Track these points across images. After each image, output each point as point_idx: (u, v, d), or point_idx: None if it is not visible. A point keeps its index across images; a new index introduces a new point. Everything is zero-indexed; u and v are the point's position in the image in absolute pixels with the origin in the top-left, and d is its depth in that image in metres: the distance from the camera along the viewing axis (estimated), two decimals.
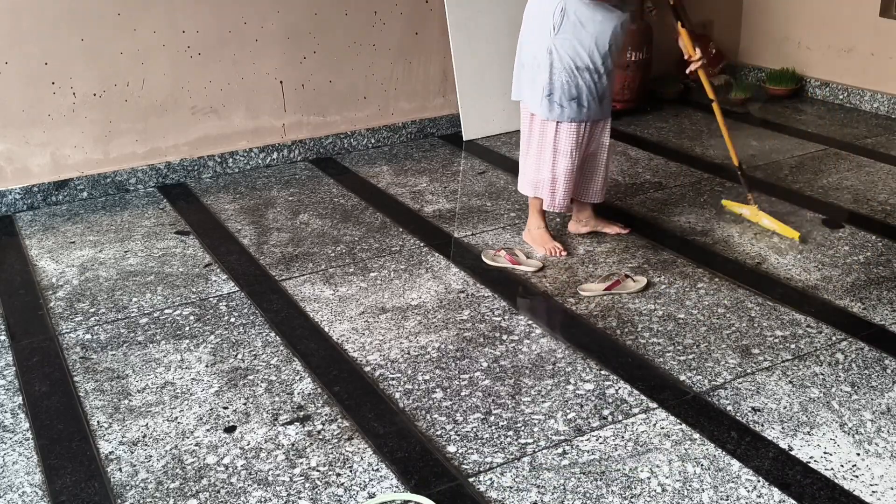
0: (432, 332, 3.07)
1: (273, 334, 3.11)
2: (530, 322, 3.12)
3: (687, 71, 3.67)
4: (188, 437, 2.57)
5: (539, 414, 2.60)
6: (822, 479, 2.29)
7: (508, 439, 2.50)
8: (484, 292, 3.34)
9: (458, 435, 2.52)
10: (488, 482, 2.33)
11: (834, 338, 2.95)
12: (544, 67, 3.40)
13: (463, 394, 2.72)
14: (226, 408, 2.70)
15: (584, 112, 3.43)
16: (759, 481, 2.29)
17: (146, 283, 3.53)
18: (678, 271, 3.45)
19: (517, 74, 3.58)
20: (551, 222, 3.89)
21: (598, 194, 3.72)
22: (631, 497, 2.26)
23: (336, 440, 2.53)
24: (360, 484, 2.35)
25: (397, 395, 2.72)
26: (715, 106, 3.79)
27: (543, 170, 3.54)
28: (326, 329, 3.13)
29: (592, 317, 3.14)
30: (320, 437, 2.55)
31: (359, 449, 2.49)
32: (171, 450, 2.52)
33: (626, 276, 3.34)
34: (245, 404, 2.72)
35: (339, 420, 2.62)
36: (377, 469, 2.40)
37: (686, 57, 3.62)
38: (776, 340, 2.95)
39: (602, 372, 2.80)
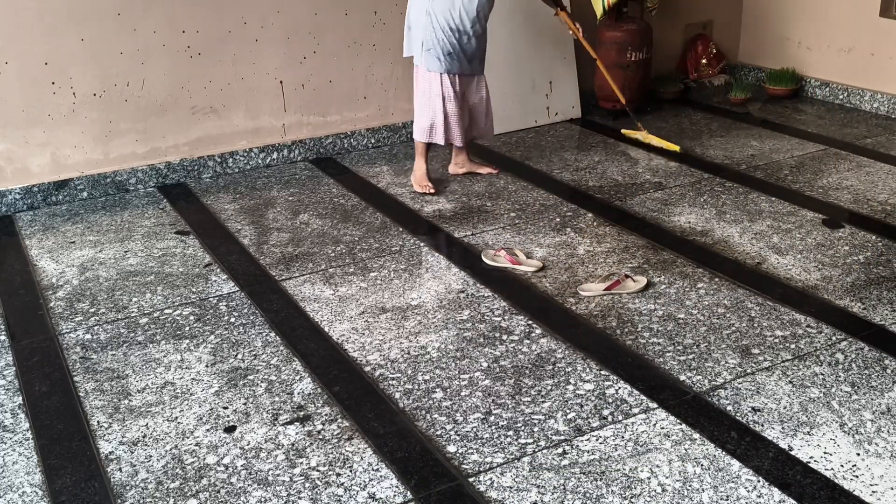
0: (432, 332, 3.07)
1: (273, 334, 3.11)
2: (530, 322, 3.12)
3: (576, 37, 4.81)
4: (188, 437, 2.57)
5: (539, 414, 2.60)
6: (822, 479, 2.29)
7: (508, 439, 2.50)
8: (484, 292, 3.34)
9: (458, 435, 2.52)
10: (488, 482, 2.33)
11: (834, 338, 2.95)
12: (424, 27, 4.09)
13: (463, 394, 2.72)
14: (226, 408, 2.70)
15: (456, 66, 4.15)
16: (759, 481, 2.29)
17: (146, 283, 3.53)
18: (678, 271, 3.45)
19: (406, 35, 4.26)
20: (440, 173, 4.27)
21: (488, 132, 4.52)
22: (631, 497, 2.26)
23: (336, 440, 2.53)
24: (360, 484, 2.35)
25: (397, 395, 2.72)
26: (587, 46, 4.86)
27: (437, 114, 4.22)
28: (326, 329, 3.13)
29: (592, 317, 3.14)
30: (320, 437, 2.55)
31: (359, 449, 2.49)
32: (171, 450, 2.52)
33: (626, 276, 3.34)
34: (245, 404, 2.72)
35: (339, 420, 2.62)
36: (377, 469, 2.40)
37: (570, 33, 4.85)
38: (776, 340, 2.95)
39: (602, 372, 2.80)
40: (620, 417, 2.57)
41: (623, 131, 5.11)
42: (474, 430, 2.54)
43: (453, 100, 4.20)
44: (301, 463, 2.44)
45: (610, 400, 2.65)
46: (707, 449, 2.42)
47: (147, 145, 4.53)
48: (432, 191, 4.32)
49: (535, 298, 3.30)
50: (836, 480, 2.29)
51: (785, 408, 2.59)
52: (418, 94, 4.25)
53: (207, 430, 2.60)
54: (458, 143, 4.38)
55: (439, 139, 4.28)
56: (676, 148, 4.76)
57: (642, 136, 4.97)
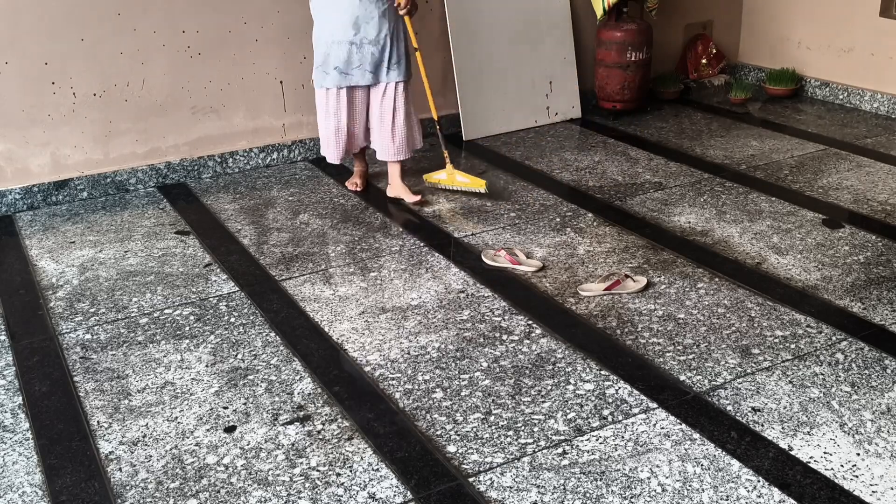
0: (432, 332, 3.07)
1: (273, 334, 3.11)
2: (530, 322, 3.12)
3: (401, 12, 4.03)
4: (188, 437, 2.57)
5: (539, 414, 2.60)
6: (822, 479, 2.29)
7: (508, 439, 2.50)
8: (484, 292, 3.34)
9: (458, 435, 2.52)
10: (488, 482, 2.33)
11: (834, 338, 2.95)
12: (314, 44, 4.01)
13: (463, 394, 2.72)
14: (226, 408, 2.70)
15: (348, 78, 3.97)
16: (759, 481, 2.29)
17: (146, 283, 3.53)
18: (678, 271, 3.45)
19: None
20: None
21: (398, 151, 4.17)
22: (631, 497, 2.26)
23: (336, 440, 2.53)
24: (360, 484, 2.35)
25: (397, 395, 2.72)
26: (418, 55, 4.23)
27: (322, 129, 4.12)
28: (326, 329, 3.13)
29: (592, 317, 3.14)
30: (320, 437, 2.55)
31: (359, 449, 2.49)
32: (171, 450, 2.52)
33: (626, 276, 3.34)
34: (245, 404, 2.72)
35: (339, 420, 2.62)
36: (377, 469, 2.40)
37: (395, 4, 4.02)
38: (776, 340, 2.95)
39: (602, 372, 2.80)
40: (620, 417, 2.57)
41: (424, 177, 4.39)
42: (474, 430, 2.54)
43: (335, 116, 4.04)
44: (301, 463, 2.44)
45: (610, 400, 2.66)
46: (707, 449, 2.42)
47: (147, 145, 4.53)
48: (358, 188, 4.36)
49: (535, 298, 3.30)
50: (836, 480, 2.29)
51: (785, 408, 2.59)
52: (319, 108, 4.11)
53: (207, 430, 2.60)
54: (338, 160, 4.18)
55: (328, 156, 4.18)
56: (482, 184, 4.19)
57: (447, 176, 4.29)
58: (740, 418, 2.55)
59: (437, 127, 4.29)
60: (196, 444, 2.54)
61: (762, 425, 2.51)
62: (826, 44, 5.60)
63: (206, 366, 2.93)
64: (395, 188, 4.26)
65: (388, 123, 4.11)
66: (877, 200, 4.06)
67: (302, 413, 2.66)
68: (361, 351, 2.98)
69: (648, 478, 2.32)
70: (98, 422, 2.66)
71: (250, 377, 2.86)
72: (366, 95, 4.08)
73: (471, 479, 2.35)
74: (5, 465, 2.49)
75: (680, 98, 5.78)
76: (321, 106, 4.08)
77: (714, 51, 6.01)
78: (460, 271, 3.52)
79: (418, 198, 4.18)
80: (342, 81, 3.97)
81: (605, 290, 3.28)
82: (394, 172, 4.25)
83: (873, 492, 2.25)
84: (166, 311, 3.30)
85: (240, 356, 2.98)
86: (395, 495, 2.31)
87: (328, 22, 3.92)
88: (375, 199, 4.31)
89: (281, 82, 4.74)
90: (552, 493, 2.28)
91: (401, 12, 4.00)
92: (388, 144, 4.15)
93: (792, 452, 2.40)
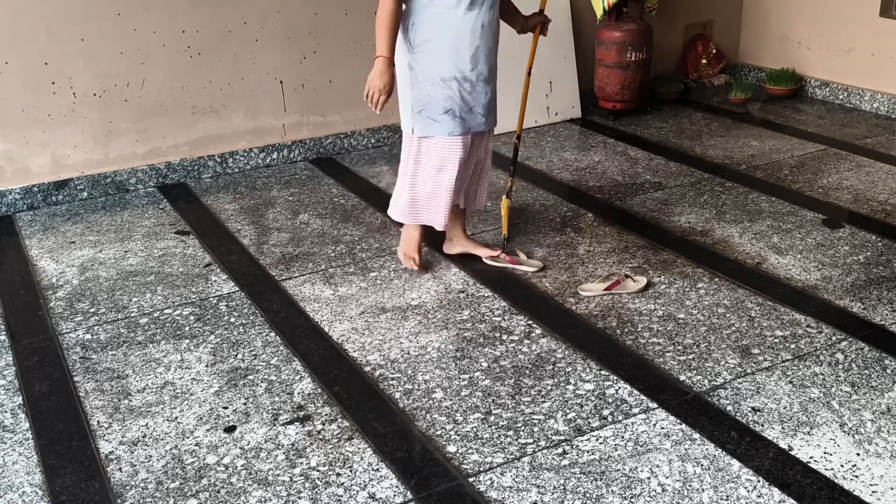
0: (432, 332, 3.07)
1: (273, 334, 3.11)
2: (530, 322, 3.12)
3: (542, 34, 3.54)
4: (188, 437, 2.57)
5: (539, 414, 2.60)
6: (822, 479, 2.29)
7: (508, 439, 2.50)
8: (484, 292, 3.34)
9: (458, 435, 2.52)
10: (488, 482, 2.33)
11: (834, 338, 2.95)
12: (409, 83, 3.22)
13: (463, 394, 2.72)
14: (226, 408, 2.70)
15: (462, 124, 3.22)
16: (759, 481, 2.29)
17: (146, 283, 3.53)
18: (678, 271, 3.45)
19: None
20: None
21: (482, 201, 3.56)
22: (631, 497, 2.26)
23: (336, 440, 2.53)
24: (360, 484, 2.35)
25: (397, 395, 2.72)
26: (526, 79, 3.67)
27: (422, 187, 3.33)
28: (326, 329, 3.13)
29: (592, 317, 3.14)
30: (320, 437, 2.55)
31: (359, 449, 2.49)
32: (171, 450, 2.52)
33: (626, 276, 3.34)
34: (245, 404, 2.72)
35: (339, 420, 2.62)
36: (377, 469, 2.40)
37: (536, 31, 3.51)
38: (776, 340, 2.95)
39: (602, 372, 2.80)
40: (620, 417, 2.57)
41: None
42: (474, 430, 2.54)
43: (447, 172, 3.29)
44: (301, 463, 2.44)
45: (610, 400, 2.66)
46: (707, 449, 2.42)
47: (147, 145, 4.53)
48: (416, 266, 3.51)
49: (535, 298, 3.29)
50: (836, 480, 2.29)
51: (785, 408, 2.59)
52: (409, 161, 3.35)
53: (207, 430, 2.60)
54: (442, 226, 3.42)
55: (429, 221, 3.40)
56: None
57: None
58: (740, 418, 2.55)
59: (516, 142, 3.79)
60: (196, 444, 2.54)
61: (762, 425, 2.51)
62: (826, 44, 5.60)
63: (206, 366, 2.93)
64: (463, 243, 3.61)
65: (479, 172, 3.49)
66: (877, 200, 4.06)
67: (302, 413, 2.66)
68: (361, 351, 2.98)
69: (648, 478, 2.32)
70: (98, 422, 2.66)
71: (250, 377, 2.86)
72: (471, 144, 3.33)
73: (471, 479, 2.35)
74: (5, 465, 2.49)
75: (680, 98, 5.78)
76: (426, 160, 3.29)
77: (714, 51, 6.02)
78: (460, 271, 3.52)
79: (498, 252, 3.56)
80: (456, 128, 3.21)
81: (605, 290, 3.28)
82: (461, 229, 3.60)
83: (873, 492, 2.25)
84: (166, 311, 3.30)
85: (240, 356, 2.98)
86: (395, 495, 2.31)
87: (437, 54, 3.14)
88: (375, 199, 4.31)
89: (281, 82, 4.74)
90: (552, 493, 2.28)
91: (544, 35, 3.53)
92: (478, 192, 3.54)
93: (792, 452, 2.40)
